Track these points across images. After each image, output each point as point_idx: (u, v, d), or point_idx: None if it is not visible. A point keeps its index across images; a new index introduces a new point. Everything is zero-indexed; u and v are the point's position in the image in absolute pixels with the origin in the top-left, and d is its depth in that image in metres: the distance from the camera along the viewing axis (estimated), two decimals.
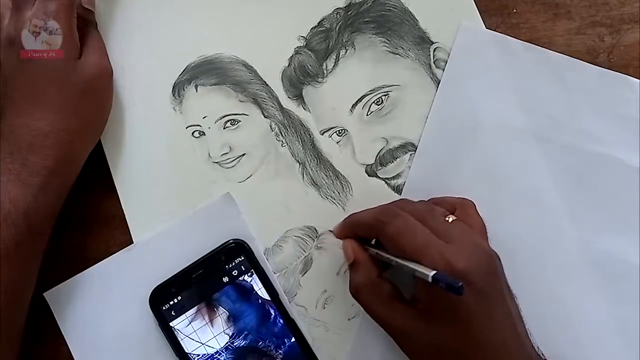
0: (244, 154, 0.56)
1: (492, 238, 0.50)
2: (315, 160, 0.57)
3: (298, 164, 0.57)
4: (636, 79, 0.56)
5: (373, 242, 0.51)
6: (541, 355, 0.46)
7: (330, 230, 0.55)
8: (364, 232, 0.50)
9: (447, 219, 0.48)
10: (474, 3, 0.57)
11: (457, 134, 0.56)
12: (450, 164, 0.55)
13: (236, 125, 0.56)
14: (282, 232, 0.56)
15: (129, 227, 0.55)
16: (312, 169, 0.57)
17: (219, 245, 0.54)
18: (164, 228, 0.55)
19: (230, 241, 0.54)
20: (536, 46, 0.56)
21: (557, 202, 0.55)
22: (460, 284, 0.40)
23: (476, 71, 0.57)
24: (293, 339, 0.53)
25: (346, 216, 0.53)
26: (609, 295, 0.54)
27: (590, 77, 0.56)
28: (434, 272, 0.42)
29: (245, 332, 0.53)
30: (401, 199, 0.54)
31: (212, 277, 0.54)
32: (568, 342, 0.50)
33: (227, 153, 0.56)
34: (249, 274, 0.54)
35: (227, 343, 0.53)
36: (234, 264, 0.54)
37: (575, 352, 0.49)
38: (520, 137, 0.56)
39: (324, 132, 0.57)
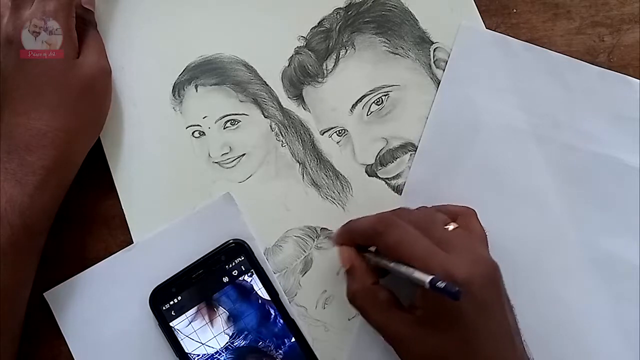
0: (244, 154, 0.56)
1: (492, 239, 0.50)
2: (316, 160, 0.57)
3: (298, 164, 0.57)
4: (636, 79, 0.56)
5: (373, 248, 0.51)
6: None
7: (329, 238, 0.55)
8: (362, 240, 0.50)
9: (447, 227, 0.48)
10: (474, 3, 0.57)
11: (458, 134, 0.56)
12: (451, 164, 0.55)
13: (236, 125, 0.56)
14: (282, 232, 0.56)
15: (129, 227, 0.55)
16: (312, 169, 0.57)
17: (219, 245, 0.54)
18: (164, 228, 0.55)
19: (230, 241, 0.54)
20: (536, 46, 0.56)
21: (557, 203, 0.55)
22: (458, 289, 0.40)
23: (476, 71, 0.57)
24: (293, 339, 0.53)
25: (345, 223, 0.52)
26: (609, 296, 0.53)
27: (590, 77, 0.56)
28: (431, 276, 0.41)
29: (246, 332, 0.53)
30: (400, 208, 0.53)
31: (212, 277, 0.53)
32: (569, 342, 0.50)
33: (227, 153, 0.56)
34: (249, 274, 0.54)
35: (227, 343, 0.53)
36: (234, 264, 0.54)
37: (576, 353, 0.49)
38: (520, 137, 0.56)
39: (324, 132, 0.57)
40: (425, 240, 0.45)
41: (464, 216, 0.50)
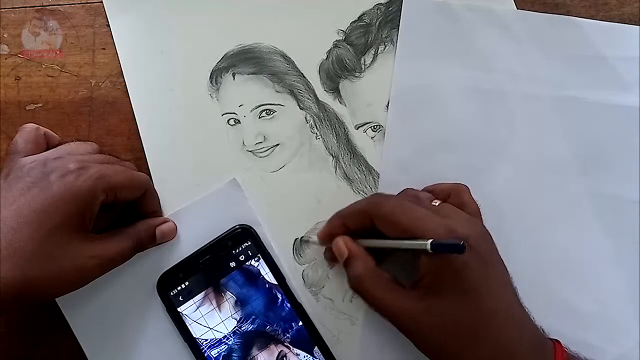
0: (277, 144, 0.55)
1: (477, 197, 0.50)
2: (349, 154, 0.55)
3: (331, 157, 0.55)
4: (579, 18, 0.56)
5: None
6: (540, 327, 0.46)
7: (307, 240, 0.54)
8: (357, 221, 0.49)
9: (433, 203, 0.48)
10: None
11: (422, 107, 0.55)
12: (421, 141, 0.55)
13: (271, 115, 0.56)
14: (313, 224, 0.54)
15: None
16: (345, 163, 0.55)
17: (225, 230, 0.53)
18: (170, 214, 0.54)
19: (237, 226, 0.53)
20: (477, 4, 0.56)
21: (531, 152, 0.55)
22: (462, 242, 0.39)
23: (427, 42, 0.56)
24: (300, 323, 0.51)
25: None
26: (604, 232, 0.54)
27: (537, 24, 0.56)
28: (431, 239, 0.41)
29: (253, 317, 0.51)
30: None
31: (220, 262, 0.52)
32: (567, 279, 0.53)
33: (261, 142, 0.55)
34: (255, 259, 0.52)
35: (234, 327, 0.51)
36: (240, 249, 0.52)
37: (577, 290, 0.52)
38: (484, 97, 0.55)
39: (359, 127, 0.55)
40: (420, 207, 0.46)
41: (457, 194, 0.49)
